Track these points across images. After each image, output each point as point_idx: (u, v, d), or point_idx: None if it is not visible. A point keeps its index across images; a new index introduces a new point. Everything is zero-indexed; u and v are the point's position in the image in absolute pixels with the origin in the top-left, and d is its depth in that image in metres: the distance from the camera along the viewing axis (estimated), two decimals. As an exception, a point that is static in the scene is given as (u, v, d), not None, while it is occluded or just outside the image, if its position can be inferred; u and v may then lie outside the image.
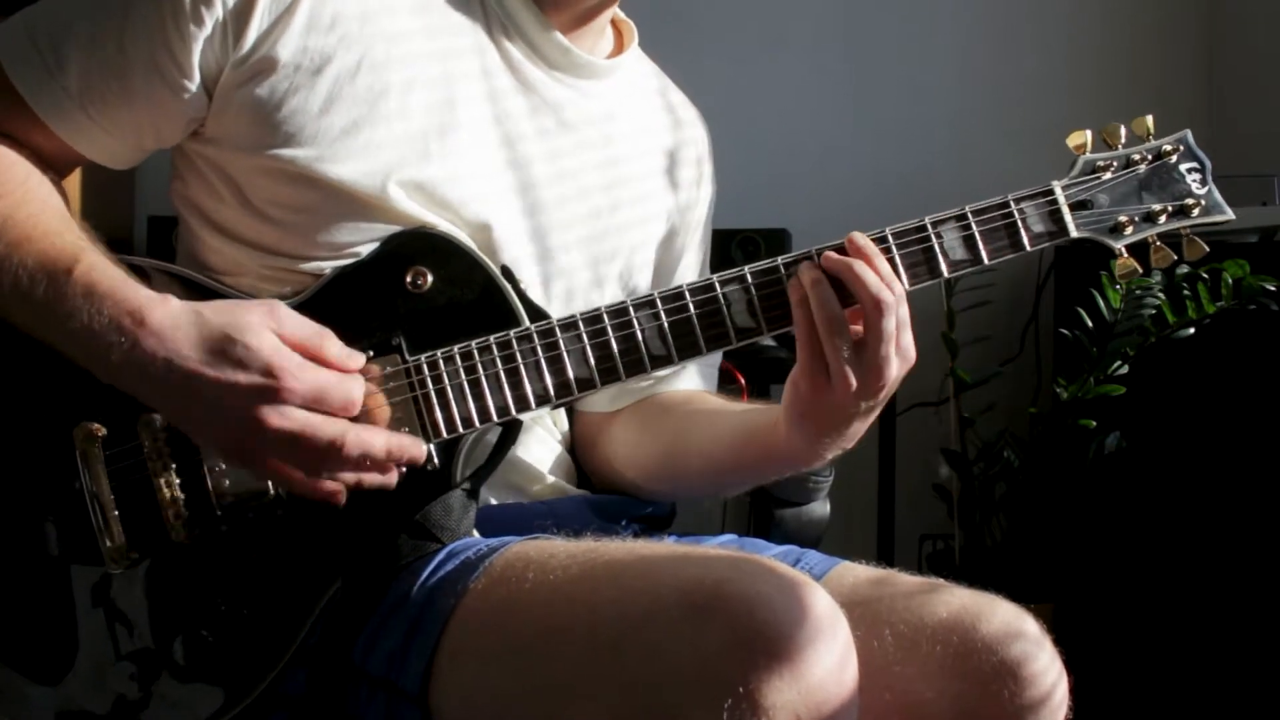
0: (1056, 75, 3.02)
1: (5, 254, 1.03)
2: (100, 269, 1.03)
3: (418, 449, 1.05)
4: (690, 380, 1.34)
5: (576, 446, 1.33)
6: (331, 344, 1.03)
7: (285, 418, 0.99)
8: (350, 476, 1.03)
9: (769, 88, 3.05)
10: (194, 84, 1.09)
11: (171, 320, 1.00)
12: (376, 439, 1.03)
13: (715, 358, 1.36)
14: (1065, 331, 2.40)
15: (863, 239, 1.10)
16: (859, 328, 1.07)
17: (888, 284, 1.07)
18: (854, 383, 1.07)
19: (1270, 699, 2.31)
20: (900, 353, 1.08)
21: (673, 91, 1.38)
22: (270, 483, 1.06)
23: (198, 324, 1.00)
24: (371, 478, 1.04)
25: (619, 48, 1.31)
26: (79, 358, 1.02)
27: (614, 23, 1.32)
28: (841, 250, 1.10)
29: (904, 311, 1.09)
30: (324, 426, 1.00)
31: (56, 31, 1.10)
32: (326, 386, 1.01)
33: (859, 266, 1.07)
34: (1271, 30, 2.91)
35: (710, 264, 1.40)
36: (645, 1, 1.39)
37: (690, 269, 1.36)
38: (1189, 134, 1.20)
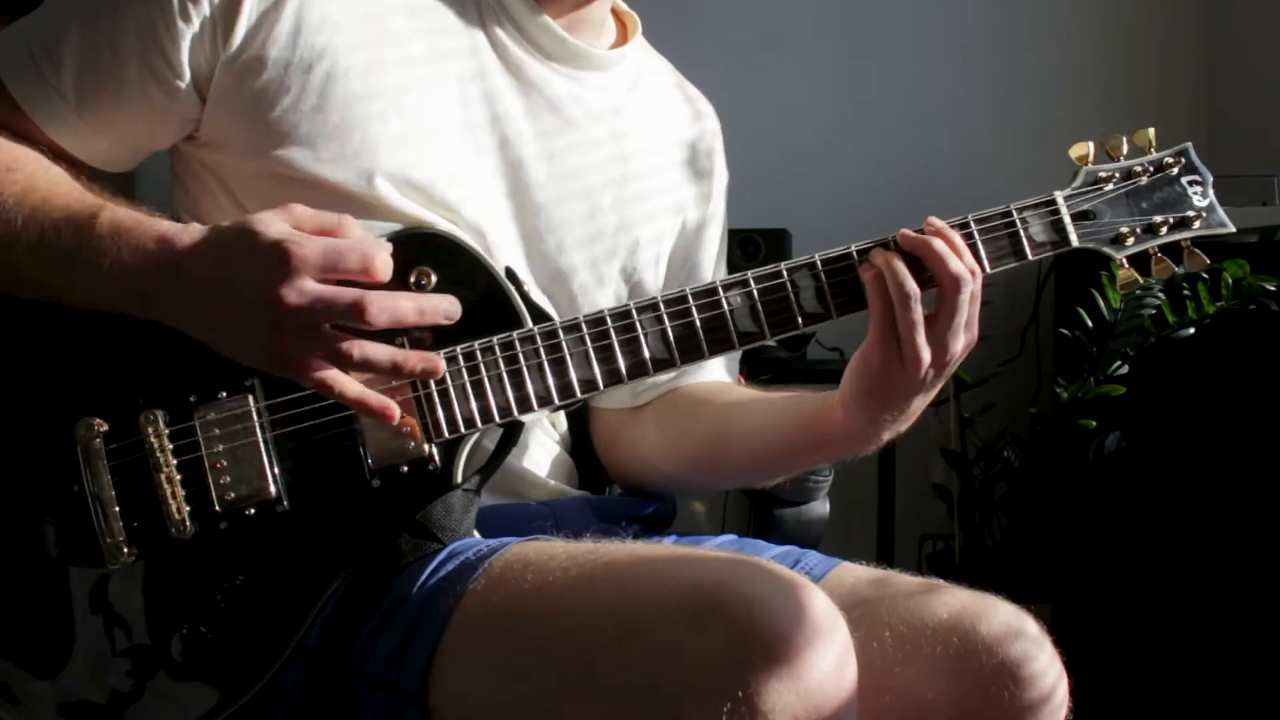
0: (1056, 75, 3.02)
1: (31, 213, 1.05)
2: (124, 212, 1.04)
3: (451, 306, 1.04)
4: (718, 371, 1.34)
5: (595, 443, 1.33)
6: (351, 224, 1.03)
7: (300, 292, 0.98)
8: (383, 355, 1.01)
9: (769, 87, 3.04)
10: (184, 83, 1.10)
11: (191, 236, 1.02)
12: (402, 300, 1.01)
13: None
14: (1065, 331, 2.40)
15: (939, 221, 1.12)
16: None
17: (964, 261, 1.10)
18: (926, 357, 1.09)
19: (1270, 699, 2.32)
20: (968, 328, 1.11)
21: (688, 85, 1.38)
22: (270, 477, 1.06)
23: (214, 232, 1.02)
24: (411, 360, 1.02)
25: (623, 38, 1.31)
26: (109, 297, 1.03)
27: (617, 15, 1.31)
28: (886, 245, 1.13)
29: (978, 288, 1.12)
30: (341, 293, 0.98)
31: (50, 36, 1.10)
32: (339, 247, 0.99)
33: (937, 244, 1.10)
34: (1271, 30, 2.91)
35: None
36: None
37: (708, 262, 1.36)
38: (1190, 147, 1.21)
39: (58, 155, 1.13)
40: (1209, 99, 3.03)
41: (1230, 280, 2.19)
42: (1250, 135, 2.86)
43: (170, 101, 1.11)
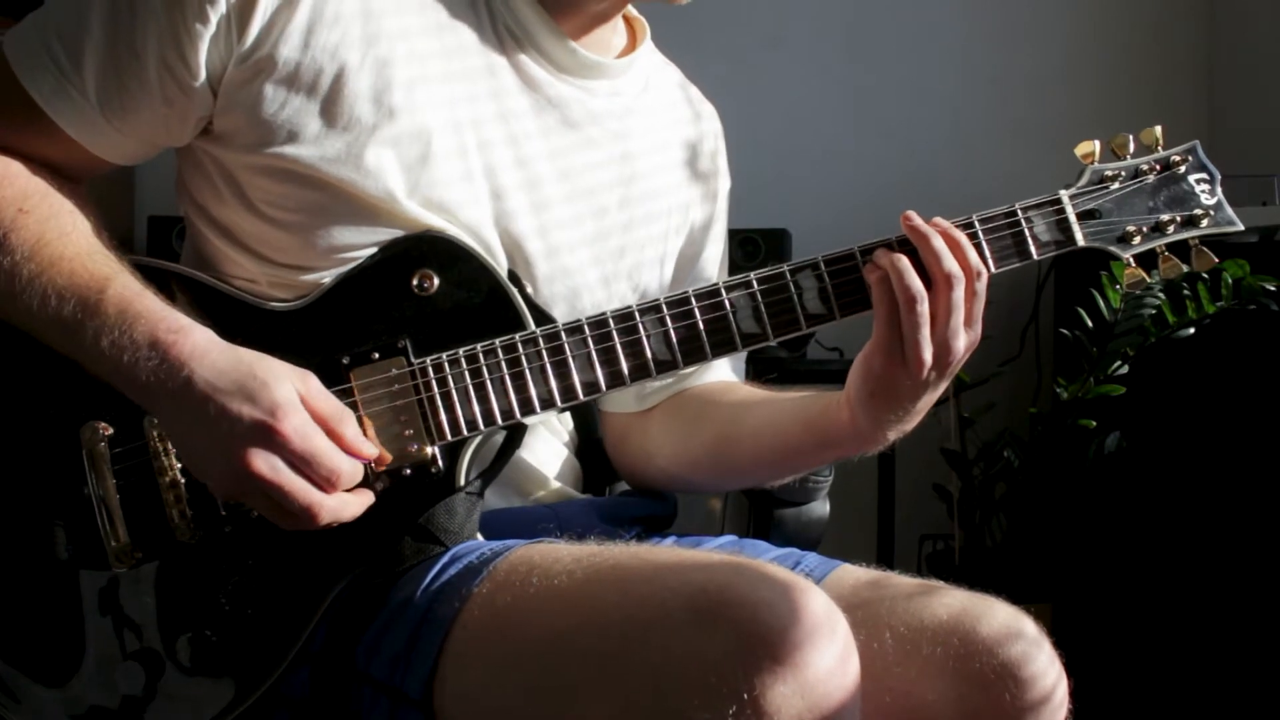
0: (1056, 75, 3.02)
1: (38, 273, 1.04)
2: (134, 290, 1.04)
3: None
4: (724, 371, 1.35)
5: (606, 445, 1.34)
6: (350, 425, 1.03)
7: (271, 468, 0.98)
8: (319, 532, 1.02)
9: (769, 88, 3.05)
10: (199, 82, 1.09)
11: (205, 344, 1.02)
12: (348, 509, 1.02)
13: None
14: (1065, 331, 2.40)
15: (944, 223, 1.13)
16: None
17: (967, 259, 1.11)
18: (929, 359, 1.09)
19: (1270, 699, 2.32)
20: (969, 327, 1.11)
21: (691, 88, 1.38)
22: None
23: (229, 355, 1.01)
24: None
25: (632, 43, 1.31)
26: (106, 374, 1.03)
27: (627, 20, 1.31)
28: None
29: (981, 287, 1.12)
30: (301, 493, 0.99)
31: (69, 37, 1.09)
32: (320, 450, 1.00)
33: (935, 240, 1.10)
34: (1271, 30, 2.91)
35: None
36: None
37: (711, 262, 1.36)
38: (1198, 145, 1.20)
39: (76, 162, 1.14)
40: (1209, 99, 3.04)
41: (1230, 280, 2.19)
42: (1250, 135, 2.87)
43: (187, 100, 1.10)
